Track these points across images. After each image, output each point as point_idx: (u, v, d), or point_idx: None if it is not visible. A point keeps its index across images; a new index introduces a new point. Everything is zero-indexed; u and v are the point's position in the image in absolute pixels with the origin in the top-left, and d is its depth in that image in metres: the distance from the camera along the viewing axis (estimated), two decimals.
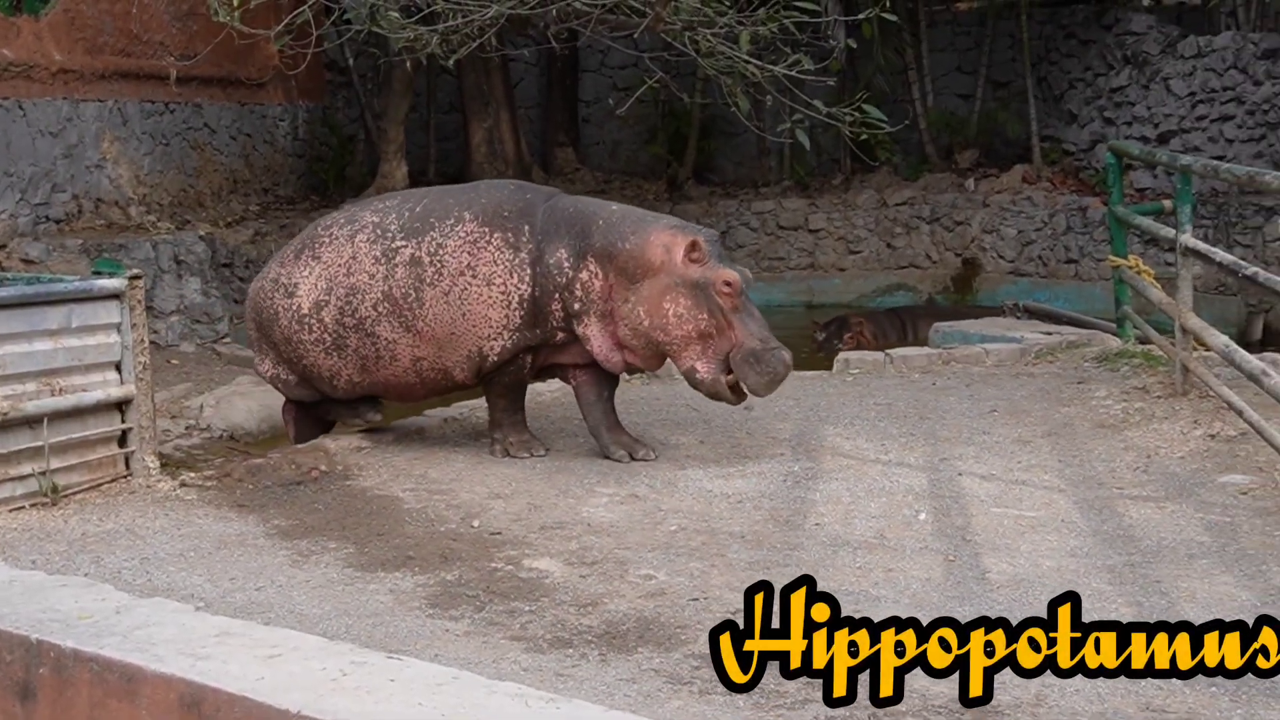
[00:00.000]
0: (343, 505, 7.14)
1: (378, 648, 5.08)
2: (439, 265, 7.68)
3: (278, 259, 8.32)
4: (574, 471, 7.68)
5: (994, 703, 4.60)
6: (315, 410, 8.57)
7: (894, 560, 6.07)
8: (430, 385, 8.02)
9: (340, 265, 7.87)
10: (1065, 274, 16.59)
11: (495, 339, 7.69)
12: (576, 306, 7.64)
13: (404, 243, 7.77)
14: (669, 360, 7.75)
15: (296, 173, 18.51)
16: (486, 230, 7.70)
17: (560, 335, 7.76)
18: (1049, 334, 11.20)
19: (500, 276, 7.65)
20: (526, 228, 7.70)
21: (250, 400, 10.53)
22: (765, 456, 7.89)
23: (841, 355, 10.80)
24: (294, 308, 7.98)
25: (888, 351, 10.76)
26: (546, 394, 9.43)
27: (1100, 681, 4.74)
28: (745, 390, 7.51)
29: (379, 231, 7.86)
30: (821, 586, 5.64)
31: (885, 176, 18.73)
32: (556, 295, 7.66)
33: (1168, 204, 10.97)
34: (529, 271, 7.65)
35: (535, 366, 7.95)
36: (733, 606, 5.55)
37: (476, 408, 9.02)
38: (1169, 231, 8.95)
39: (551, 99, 20.09)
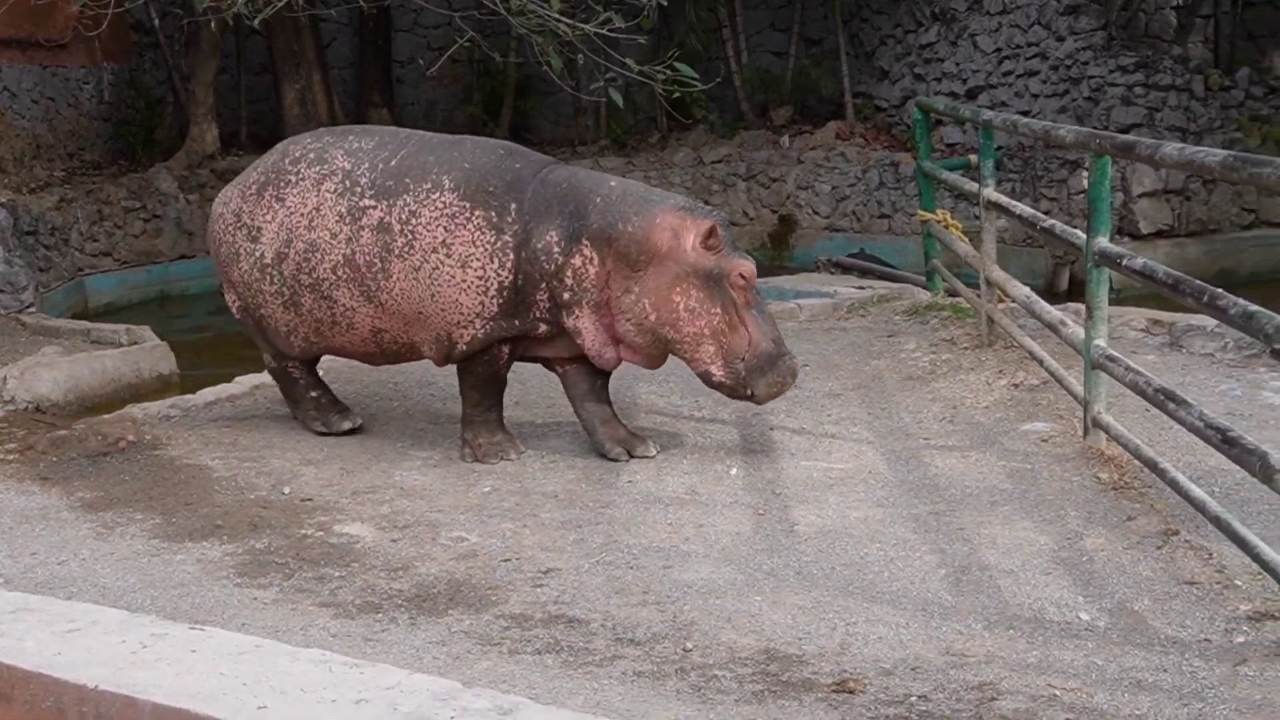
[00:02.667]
0: (150, 475, 6.99)
1: (183, 619, 5.01)
2: (410, 237, 6.87)
3: (239, 187, 7.47)
4: (387, 435, 7.62)
5: (799, 651, 4.68)
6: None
7: (705, 515, 6.13)
8: (394, 356, 7.34)
9: (303, 215, 7.13)
10: (879, 229, 16.85)
11: (466, 327, 6.89)
12: (567, 296, 6.79)
13: (373, 203, 6.96)
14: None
15: (103, 137, 17.99)
16: (467, 206, 6.82)
17: (543, 328, 6.92)
18: (861, 288, 11.38)
19: (478, 260, 6.79)
20: (513, 206, 6.81)
21: (57, 371, 10.22)
22: (567, 414, 7.88)
23: None
24: (257, 254, 7.29)
25: None
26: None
27: (902, 629, 4.84)
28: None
29: (348, 183, 7.05)
30: (632, 543, 5.74)
31: (701, 134, 18.81)
32: (543, 284, 6.82)
33: (974, 159, 11.22)
34: (512, 256, 6.79)
35: (514, 358, 7.15)
36: (544, 566, 5.56)
37: None
38: (974, 186, 9.14)
39: (364, 59, 19.79)
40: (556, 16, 12.07)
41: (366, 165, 7.06)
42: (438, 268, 6.82)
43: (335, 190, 7.07)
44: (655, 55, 13.68)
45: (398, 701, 3.68)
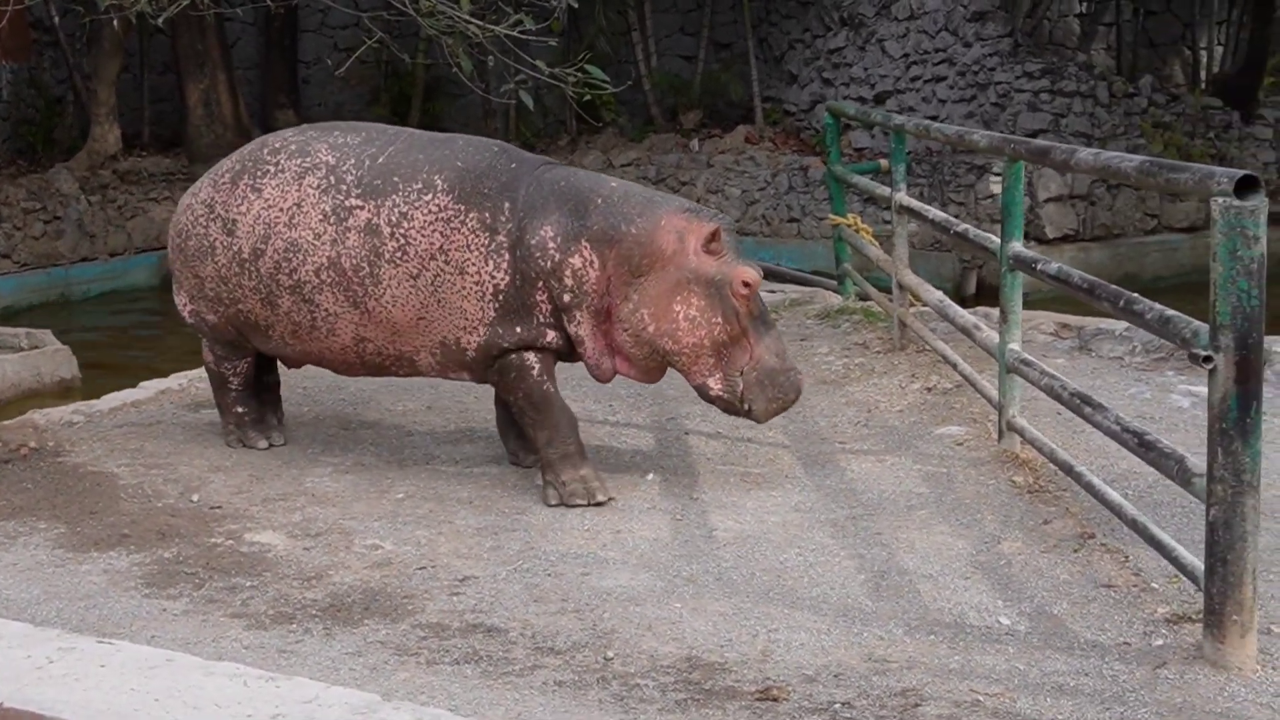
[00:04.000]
0: (53, 483, 6.82)
1: (91, 632, 4.89)
2: (403, 241, 6.44)
3: (212, 177, 7.07)
4: (298, 441, 7.49)
5: (721, 659, 4.64)
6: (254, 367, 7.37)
7: (622, 521, 6.08)
8: (375, 368, 6.85)
9: (283, 210, 6.69)
10: (788, 232, 16.91)
11: (471, 332, 6.45)
12: (567, 299, 6.32)
13: (360, 203, 6.53)
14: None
15: (1, 135, 17.64)
16: (462, 209, 6.40)
17: (550, 335, 6.41)
18: (772, 292, 11.38)
19: (474, 264, 6.37)
20: (507, 205, 6.39)
21: None
22: (493, 421, 7.81)
23: None
24: (235, 248, 6.83)
25: None
26: None
27: (824, 635, 4.82)
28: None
29: (332, 179, 6.62)
30: (549, 550, 5.68)
31: (611, 138, 18.81)
32: (540, 283, 6.34)
33: (884, 163, 11.28)
34: (507, 257, 6.36)
35: (551, 373, 6.53)
36: (460, 574, 5.49)
37: (195, 378, 8.75)
38: (885, 190, 9.17)
39: (270, 59, 19.59)
40: (466, 18, 11.97)
41: (352, 161, 6.65)
42: (438, 275, 6.41)
43: (319, 186, 6.65)
44: (565, 58, 13.63)
45: (315, 716, 3.61)
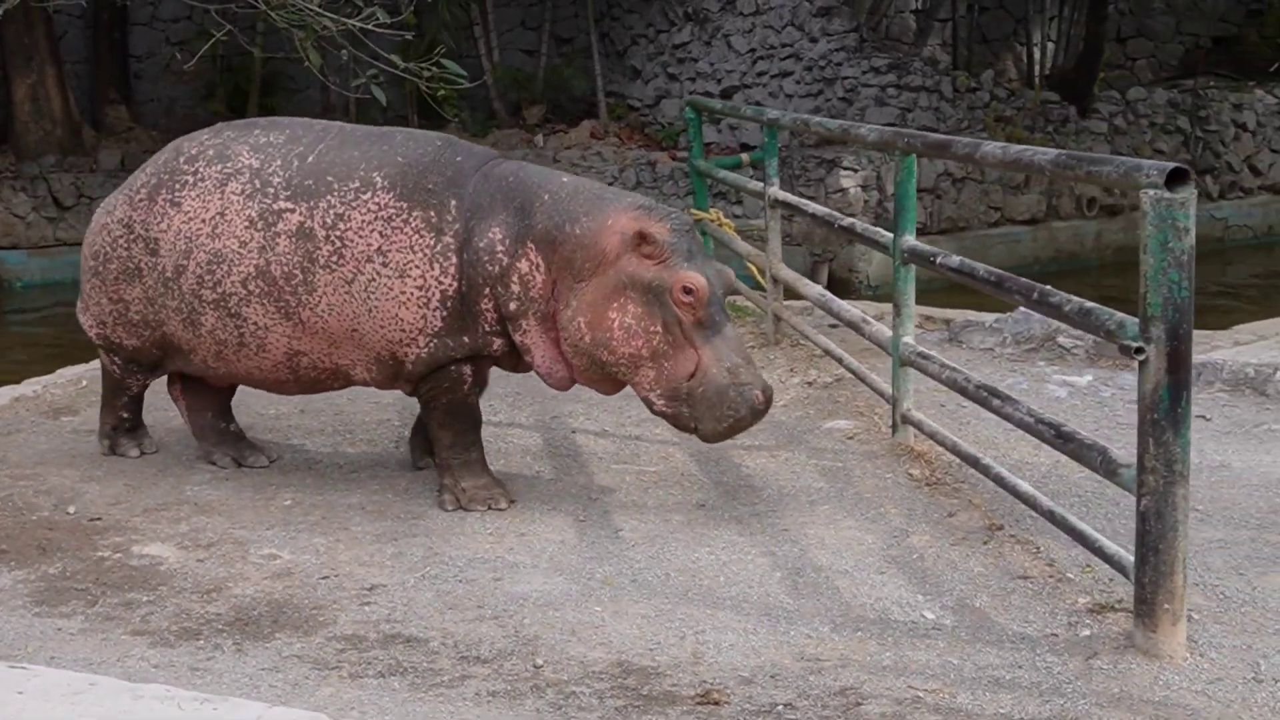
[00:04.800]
0: None
1: None
2: (339, 244, 5.98)
3: (127, 192, 6.57)
4: (170, 448, 7.21)
5: (653, 663, 4.55)
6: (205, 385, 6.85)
7: (525, 524, 5.95)
8: (311, 384, 6.42)
9: (205, 222, 6.21)
10: None
11: (409, 344, 6.01)
12: (513, 306, 5.90)
13: (290, 205, 6.06)
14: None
15: None
16: (405, 206, 5.95)
17: (497, 344, 6.03)
18: None
19: (417, 267, 5.91)
20: (453, 203, 5.95)
21: None
22: (372, 423, 7.63)
23: None
24: (159, 267, 6.35)
25: None
26: None
27: (751, 634, 4.76)
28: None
29: (257, 183, 6.15)
30: (455, 555, 5.54)
31: (453, 133, 18.52)
32: (488, 289, 5.93)
33: (745, 157, 11.31)
34: (455, 260, 5.92)
35: (481, 383, 6.26)
36: (367, 583, 5.32)
37: (50, 384, 8.41)
38: (758, 184, 9.15)
39: (100, 54, 18.96)
40: (319, 11, 11.72)
41: (279, 163, 6.16)
42: (374, 279, 5.94)
43: (243, 192, 6.16)
44: (406, 52, 13.42)
45: None
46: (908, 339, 6.54)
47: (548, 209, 5.89)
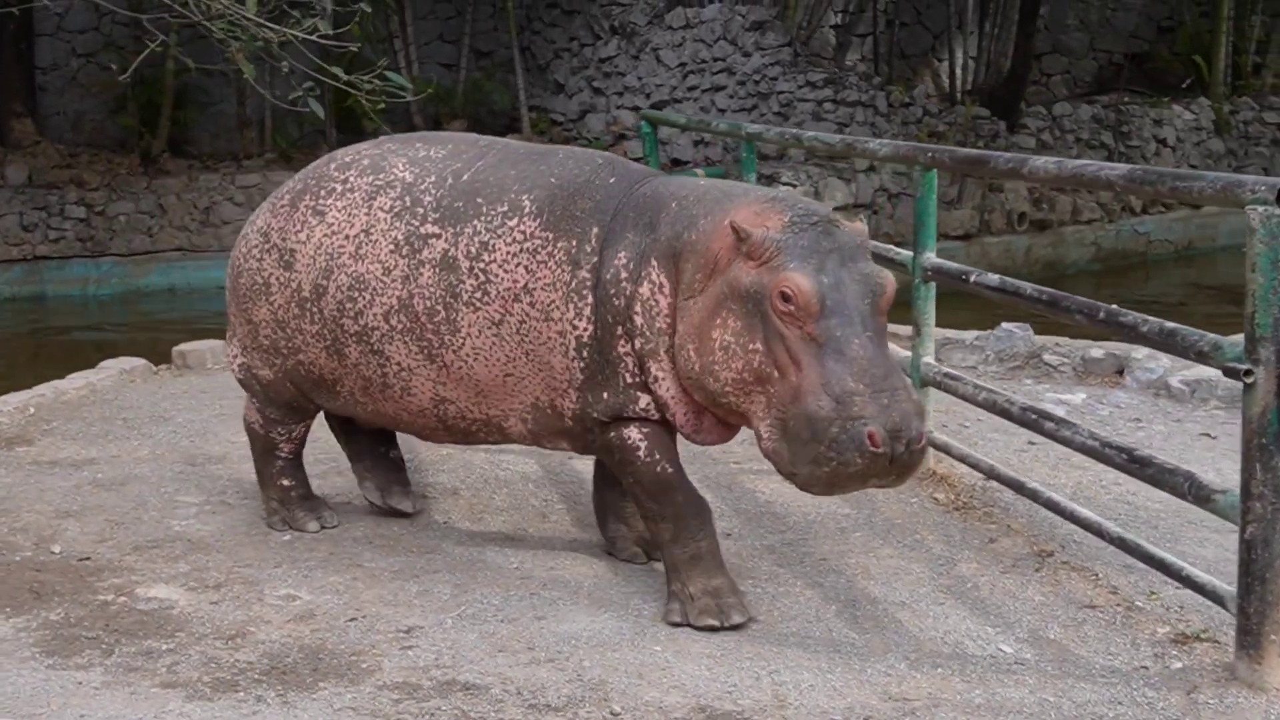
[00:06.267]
0: None
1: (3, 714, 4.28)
2: (483, 279, 5.15)
3: (271, 200, 5.89)
4: (143, 478, 6.85)
5: (736, 707, 4.31)
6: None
7: (550, 558, 5.67)
8: (462, 434, 5.52)
9: (349, 239, 5.46)
10: None
11: (563, 396, 5.11)
12: (639, 344, 4.91)
13: (436, 230, 5.28)
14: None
15: None
16: (550, 236, 5.08)
17: (645, 400, 4.97)
18: None
19: (558, 308, 5.03)
20: (595, 230, 5.03)
21: None
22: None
23: None
24: (293, 284, 5.61)
25: None
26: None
27: (828, 673, 4.54)
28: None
29: (408, 200, 5.39)
30: (486, 591, 5.24)
31: None
32: (619, 328, 4.95)
33: (700, 173, 11.13)
34: (590, 298, 5.00)
35: (671, 451, 5.08)
36: (401, 625, 5.01)
37: None
38: None
39: (3, 65, 18.30)
40: (260, 21, 11.33)
41: (433, 179, 5.41)
42: (524, 321, 5.09)
43: (392, 209, 5.41)
44: (326, 65, 13.05)
45: None
46: (929, 359, 6.36)
47: (672, 218, 4.94)
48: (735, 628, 4.87)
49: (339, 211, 5.53)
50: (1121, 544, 4.96)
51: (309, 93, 11.71)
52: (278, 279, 5.68)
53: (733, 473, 6.77)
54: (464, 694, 4.44)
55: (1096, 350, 8.54)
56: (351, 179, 5.58)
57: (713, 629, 4.86)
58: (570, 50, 17.93)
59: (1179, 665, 4.52)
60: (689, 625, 4.89)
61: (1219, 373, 7.87)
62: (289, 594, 5.35)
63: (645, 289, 4.89)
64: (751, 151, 8.66)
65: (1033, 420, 5.43)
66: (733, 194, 4.92)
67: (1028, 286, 5.46)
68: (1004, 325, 8.89)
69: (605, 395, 4.99)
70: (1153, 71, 21.43)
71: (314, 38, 11.21)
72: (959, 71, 19.58)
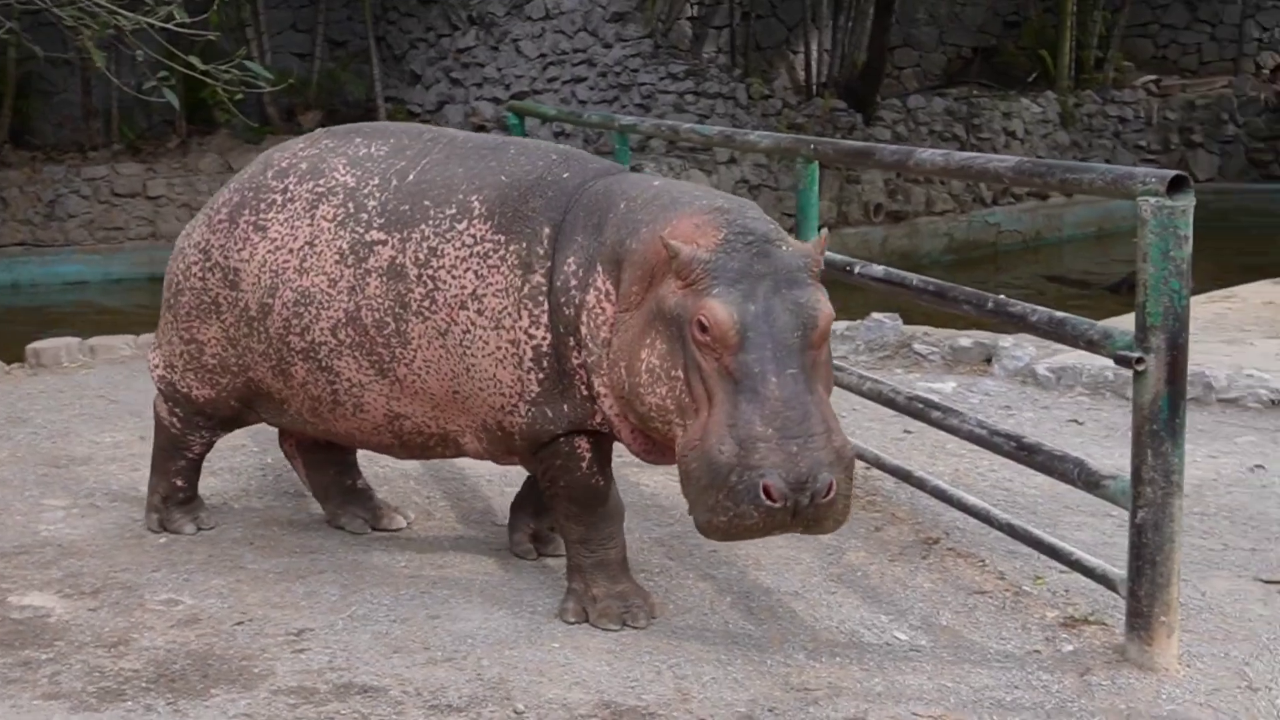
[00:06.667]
0: None
1: None
2: (431, 286, 4.88)
3: (207, 213, 5.58)
4: (6, 482, 6.66)
5: (640, 703, 4.29)
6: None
7: (441, 555, 5.60)
8: (420, 449, 5.27)
9: (293, 253, 5.19)
10: None
11: (511, 412, 4.82)
12: (583, 355, 4.65)
13: (382, 236, 4.99)
14: None
15: None
16: (502, 239, 4.78)
17: (599, 415, 4.72)
18: None
19: (510, 315, 4.75)
20: (547, 230, 4.73)
21: None
22: (229, 448, 7.14)
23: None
24: (241, 303, 5.35)
25: None
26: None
27: (728, 665, 4.54)
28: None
29: (351, 206, 5.10)
30: (377, 591, 5.16)
31: (226, 139, 17.85)
32: (571, 339, 4.68)
33: None
34: (545, 305, 4.71)
35: (606, 459, 4.93)
36: (291, 627, 4.91)
37: None
38: None
39: None
40: (113, 8, 11.04)
41: (376, 182, 5.10)
42: (469, 330, 4.83)
43: (335, 216, 5.12)
44: (174, 54, 12.77)
45: None
46: None
47: (618, 221, 4.62)
48: (640, 628, 4.82)
49: (281, 225, 5.26)
50: (1011, 530, 5.04)
51: (164, 82, 11.45)
52: (226, 298, 5.42)
53: (617, 465, 6.70)
54: (362, 697, 4.36)
55: (965, 339, 8.68)
56: (291, 187, 5.29)
57: (615, 628, 4.80)
58: (427, 40, 17.76)
59: (1070, 648, 4.60)
60: (588, 624, 4.85)
61: (1084, 360, 8.09)
62: (170, 599, 5.21)
63: (591, 297, 4.60)
64: (624, 143, 8.64)
65: (918, 409, 5.49)
66: (680, 201, 4.56)
67: (913, 277, 5.51)
68: (874, 315, 8.99)
69: (565, 408, 4.73)
70: (1000, 65, 21.85)
71: (170, 25, 10.97)
72: (814, 65, 19.76)
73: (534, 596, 5.16)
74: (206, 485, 6.52)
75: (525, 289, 4.70)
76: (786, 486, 4.06)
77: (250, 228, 5.34)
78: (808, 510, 4.11)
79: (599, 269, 4.59)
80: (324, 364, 5.16)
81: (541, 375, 4.71)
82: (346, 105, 18.40)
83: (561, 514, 4.96)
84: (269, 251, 5.27)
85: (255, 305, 5.31)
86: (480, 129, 16.35)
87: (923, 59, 22.10)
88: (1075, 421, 7.47)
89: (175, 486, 5.93)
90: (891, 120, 17.99)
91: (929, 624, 4.85)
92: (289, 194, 5.29)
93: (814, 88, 19.49)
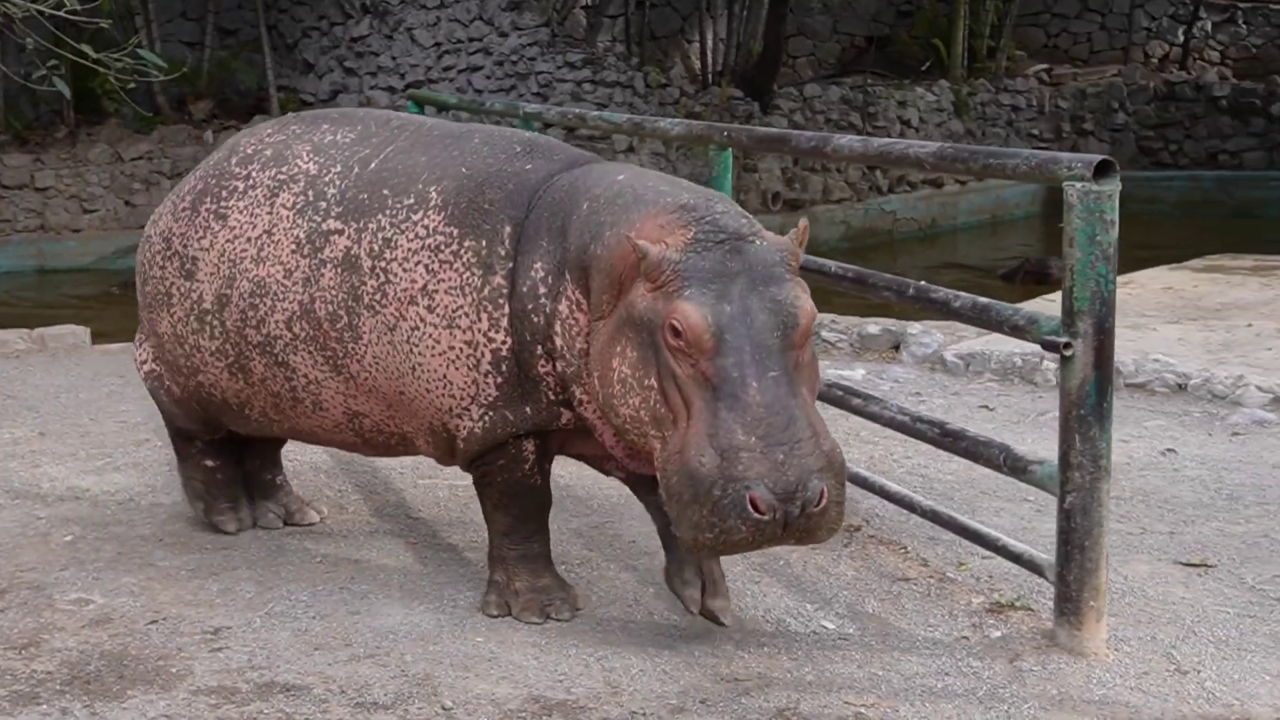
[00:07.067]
0: None
1: None
2: (382, 279, 4.66)
3: (173, 200, 5.37)
4: None
5: (569, 696, 4.23)
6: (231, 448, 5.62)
7: (353, 549, 5.51)
8: (384, 448, 5.06)
9: (251, 241, 4.97)
10: None
11: (460, 415, 4.61)
12: (559, 366, 4.43)
13: (339, 225, 4.77)
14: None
15: None
16: (455, 231, 4.56)
17: (566, 416, 4.54)
18: None
19: (466, 315, 4.53)
20: (508, 229, 4.51)
21: None
22: (130, 444, 7.00)
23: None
24: (194, 295, 5.14)
25: None
26: None
27: (657, 657, 4.49)
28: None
29: (310, 194, 4.90)
30: (294, 588, 5.06)
31: (115, 129, 17.48)
32: (540, 348, 4.46)
33: None
34: (506, 309, 4.49)
35: (548, 460, 4.75)
36: (207, 625, 4.80)
37: None
38: None
39: None
40: None
41: (338, 169, 4.90)
42: (417, 328, 4.60)
43: (294, 204, 4.92)
44: (60, 43, 12.51)
45: None
46: None
47: (581, 223, 4.38)
48: (565, 620, 4.74)
49: (241, 213, 5.05)
50: (934, 517, 5.04)
51: (54, 71, 11.19)
52: (179, 289, 5.22)
53: None
54: (285, 696, 4.26)
55: (873, 326, 8.71)
56: (254, 174, 5.09)
57: (538, 621, 4.72)
58: (320, 29, 17.54)
59: (998, 634, 4.61)
60: (513, 618, 4.76)
61: (992, 345, 8.15)
62: (80, 598, 5.07)
63: (564, 306, 4.38)
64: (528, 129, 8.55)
65: (838, 396, 5.48)
66: (643, 199, 4.31)
67: (831, 264, 5.51)
68: None
69: (528, 410, 4.52)
70: (893, 54, 22.02)
71: (61, 13, 10.71)
72: (710, 54, 19.78)
73: (455, 590, 5.08)
74: (111, 482, 6.39)
75: (485, 290, 4.47)
76: (774, 497, 3.86)
77: (211, 216, 5.14)
78: (799, 521, 3.90)
79: (568, 277, 4.37)
80: (280, 359, 4.94)
81: (500, 380, 4.50)
82: (238, 95, 18.12)
83: (490, 504, 4.80)
84: (228, 240, 5.06)
85: (211, 297, 5.09)
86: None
87: (817, 48, 22.21)
88: (986, 407, 7.52)
89: (208, 469, 5.63)
90: (788, 109, 18.04)
91: (855, 612, 4.84)
92: (251, 181, 5.09)
93: (710, 76, 19.51)
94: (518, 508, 4.75)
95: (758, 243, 4.12)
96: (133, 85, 12.01)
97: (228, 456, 5.64)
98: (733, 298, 4.01)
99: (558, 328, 4.38)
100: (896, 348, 8.53)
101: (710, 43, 19.96)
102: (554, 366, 4.43)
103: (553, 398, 4.49)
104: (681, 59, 20.40)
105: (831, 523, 3.99)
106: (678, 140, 6.86)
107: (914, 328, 8.45)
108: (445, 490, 6.22)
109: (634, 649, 4.56)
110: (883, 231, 18.21)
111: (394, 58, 16.70)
